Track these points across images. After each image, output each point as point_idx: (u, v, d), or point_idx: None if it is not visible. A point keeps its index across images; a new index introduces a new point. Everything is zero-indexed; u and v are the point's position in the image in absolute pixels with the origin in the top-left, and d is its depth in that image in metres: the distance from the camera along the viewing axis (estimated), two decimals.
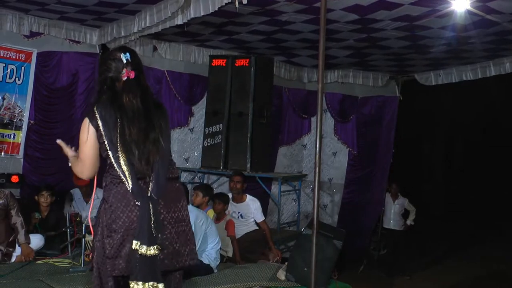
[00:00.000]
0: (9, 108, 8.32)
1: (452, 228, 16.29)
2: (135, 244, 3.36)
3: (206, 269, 6.37)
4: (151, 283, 3.36)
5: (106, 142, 3.48)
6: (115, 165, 3.48)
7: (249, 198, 7.93)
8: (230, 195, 7.98)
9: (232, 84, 8.95)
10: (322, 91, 5.06)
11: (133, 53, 3.73)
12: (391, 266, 10.51)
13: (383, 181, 11.16)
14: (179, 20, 6.92)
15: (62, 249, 7.06)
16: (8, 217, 6.83)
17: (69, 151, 3.69)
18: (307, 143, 11.15)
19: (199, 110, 9.68)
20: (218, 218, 7.61)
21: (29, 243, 6.83)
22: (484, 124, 19.39)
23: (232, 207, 7.87)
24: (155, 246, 3.37)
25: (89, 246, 6.80)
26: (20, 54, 8.34)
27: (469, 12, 6.30)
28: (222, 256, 6.83)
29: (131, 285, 3.37)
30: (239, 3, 5.83)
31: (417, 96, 13.03)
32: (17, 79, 8.32)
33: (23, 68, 8.35)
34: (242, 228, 7.76)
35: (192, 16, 6.65)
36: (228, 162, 8.91)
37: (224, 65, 9.04)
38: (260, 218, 7.84)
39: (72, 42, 8.67)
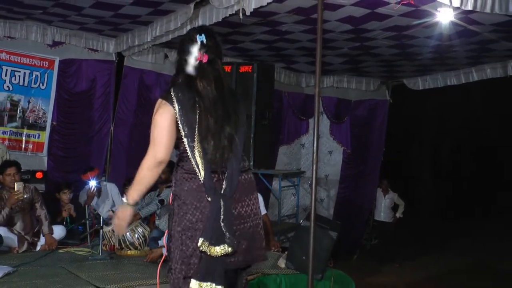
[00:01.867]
0: (34, 111, 8.34)
1: (439, 222, 16.30)
2: (200, 242, 2.96)
3: None
4: (208, 283, 2.97)
5: (181, 128, 3.05)
6: (189, 155, 3.06)
7: None
8: None
9: (237, 88, 8.92)
10: (319, 95, 5.07)
11: (210, 35, 3.27)
12: (382, 255, 10.51)
13: (375, 177, 11.17)
14: (187, 30, 6.92)
15: (82, 239, 7.08)
16: (33, 210, 6.86)
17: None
18: (305, 143, 11.14)
19: None
20: None
21: (52, 233, 6.84)
22: (469, 125, 19.35)
23: None
24: (221, 246, 2.95)
25: (106, 237, 6.83)
26: (44, 62, 8.36)
27: (453, 23, 6.31)
28: None
29: (190, 284, 3.02)
30: (243, 14, 5.83)
31: (406, 99, 13.00)
32: (41, 84, 8.34)
33: (46, 74, 8.37)
34: None
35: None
36: None
37: (229, 71, 9.02)
38: (262, 211, 7.81)
39: (91, 51, 8.68)
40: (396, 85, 11.19)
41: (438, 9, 5.77)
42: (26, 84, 8.24)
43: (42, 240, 6.80)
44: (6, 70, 8.08)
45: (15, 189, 6.56)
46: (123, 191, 8.04)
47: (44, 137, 8.44)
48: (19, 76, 8.18)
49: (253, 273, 5.86)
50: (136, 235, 6.68)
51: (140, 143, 9.05)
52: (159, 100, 3.16)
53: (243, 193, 3.14)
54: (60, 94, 8.51)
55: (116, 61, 8.92)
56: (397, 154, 16.53)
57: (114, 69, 8.94)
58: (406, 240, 12.17)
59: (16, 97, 8.20)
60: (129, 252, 6.61)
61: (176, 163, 3.20)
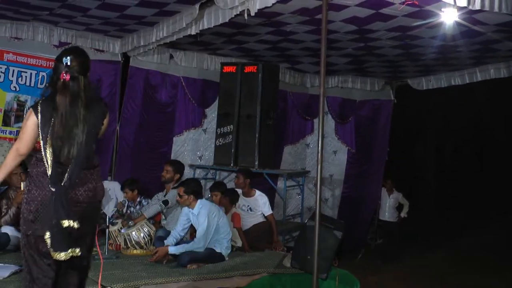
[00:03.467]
0: None
1: (442, 221, 16.27)
2: (51, 251, 3.65)
3: (218, 257, 6.39)
4: (70, 250, 3.67)
5: (40, 133, 3.75)
6: (43, 152, 3.74)
7: (257, 193, 7.93)
8: (240, 190, 7.99)
9: (242, 88, 8.96)
10: (323, 95, 5.07)
11: (75, 56, 3.89)
12: (386, 254, 10.50)
13: (379, 177, 11.17)
14: (193, 31, 6.94)
15: None
16: None
17: None
18: (310, 143, 11.14)
19: (212, 112, 9.68)
20: (225, 211, 7.61)
21: None
22: (472, 125, 19.33)
23: (242, 201, 7.87)
24: (67, 220, 3.61)
25: (112, 236, 6.85)
26: (50, 62, 8.33)
27: (457, 23, 6.30)
28: (232, 246, 6.84)
29: (54, 256, 3.68)
30: (247, 15, 5.84)
31: (410, 99, 12.99)
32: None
33: None
34: (251, 220, 7.77)
35: (205, 27, 6.68)
36: (238, 160, 8.91)
37: (234, 71, 9.04)
38: (268, 211, 7.85)
39: (97, 51, 8.69)
40: (400, 85, 11.20)
41: (443, 9, 5.75)
42: (32, 84, 8.26)
43: None
44: (13, 70, 8.10)
45: (22, 188, 6.57)
46: (123, 191, 8.03)
47: None
48: (26, 76, 8.20)
49: (258, 272, 5.88)
50: (141, 235, 6.71)
51: (145, 143, 9.09)
52: (30, 109, 3.87)
53: (81, 184, 3.82)
54: None
55: (122, 61, 8.94)
56: (401, 153, 16.52)
57: (120, 70, 8.95)
58: (411, 239, 12.15)
59: (23, 97, 8.23)
60: (134, 251, 6.64)
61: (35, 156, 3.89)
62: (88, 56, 4.06)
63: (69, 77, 3.80)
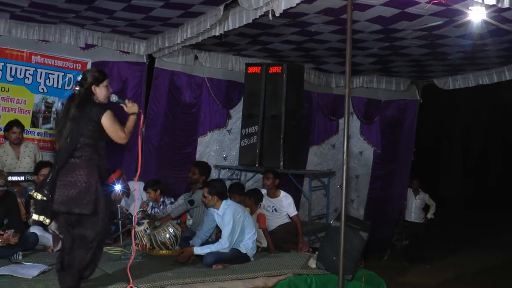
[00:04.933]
0: None
1: (470, 220, 16.11)
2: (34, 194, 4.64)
3: (244, 258, 6.39)
4: (42, 216, 4.62)
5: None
6: None
7: (282, 194, 7.91)
8: (265, 190, 7.99)
9: (266, 89, 8.96)
10: (349, 95, 5.06)
11: (84, 74, 4.86)
12: (412, 255, 10.43)
13: (405, 177, 11.13)
14: (217, 32, 6.97)
15: (114, 238, 7.15)
16: None
17: None
18: (335, 143, 11.09)
19: (236, 113, 9.71)
20: (250, 212, 7.60)
21: None
22: (499, 125, 19.13)
23: (267, 202, 7.87)
24: (41, 195, 4.56)
25: (138, 236, 6.90)
26: (77, 64, 8.48)
27: (485, 22, 6.22)
28: (257, 247, 6.84)
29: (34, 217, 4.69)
30: (272, 15, 5.84)
31: (436, 99, 12.89)
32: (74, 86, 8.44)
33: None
34: (276, 221, 7.76)
35: (230, 27, 6.70)
36: (263, 161, 8.91)
37: (258, 72, 9.05)
38: (293, 212, 7.82)
39: (122, 53, 8.77)
40: (426, 85, 11.13)
41: (470, 8, 5.70)
42: (59, 86, 8.37)
43: None
44: (41, 72, 8.22)
45: None
46: (145, 191, 8.08)
47: None
48: (53, 78, 8.31)
49: (284, 273, 5.88)
50: (167, 235, 6.74)
51: (170, 144, 9.14)
52: None
53: (68, 171, 4.61)
54: None
55: (147, 62, 9.01)
56: (428, 154, 16.41)
57: (145, 71, 9.02)
58: (437, 239, 12.05)
59: (50, 99, 8.34)
60: (160, 251, 6.67)
61: None
62: (89, 71, 5.06)
63: (74, 90, 4.86)
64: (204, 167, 7.87)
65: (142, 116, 5.04)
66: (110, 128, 4.71)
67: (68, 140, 4.65)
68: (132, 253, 5.23)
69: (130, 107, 4.94)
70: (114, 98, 4.96)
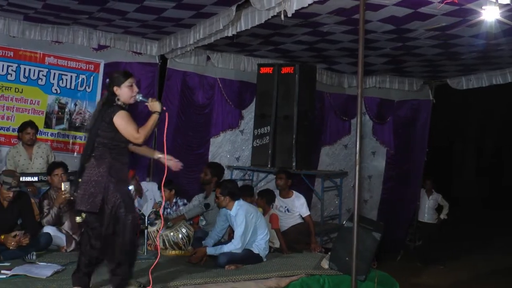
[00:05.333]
0: (80, 113, 8.51)
1: (484, 220, 16.01)
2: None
3: (256, 258, 6.39)
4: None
5: None
6: None
7: (295, 194, 7.90)
8: (277, 191, 7.98)
9: (278, 90, 8.96)
10: (361, 95, 5.05)
11: (109, 77, 4.95)
12: (426, 256, 10.39)
13: (418, 177, 11.09)
14: (230, 32, 6.98)
15: None
16: None
17: None
18: (348, 143, 11.06)
19: (249, 113, 9.71)
20: (263, 212, 7.60)
21: None
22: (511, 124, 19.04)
23: (280, 202, 7.86)
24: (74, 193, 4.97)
25: (151, 237, 6.91)
26: (90, 65, 8.52)
27: (498, 21, 6.18)
28: (269, 247, 6.84)
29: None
30: (284, 16, 5.84)
31: (449, 99, 12.83)
32: (87, 87, 8.50)
33: (92, 77, 8.54)
34: (288, 221, 7.75)
35: (242, 28, 6.71)
36: (275, 161, 8.92)
37: (271, 72, 9.05)
38: (305, 212, 7.81)
39: (135, 54, 8.81)
40: (439, 85, 11.08)
41: (483, 7, 5.66)
42: (72, 87, 8.42)
43: None
44: (54, 73, 8.27)
45: (62, 189, 6.69)
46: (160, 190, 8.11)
47: None
48: (66, 79, 8.36)
49: (296, 273, 5.87)
50: (180, 235, 6.75)
51: (183, 144, 9.15)
52: None
53: (85, 170, 4.74)
54: None
55: (159, 63, 9.03)
56: (441, 154, 16.34)
57: (158, 72, 9.06)
58: (451, 240, 11.99)
59: (63, 100, 8.39)
60: (173, 252, 6.68)
61: None
62: (112, 73, 5.14)
63: (102, 92, 5.04)
64: (217, 168, 7.87)
65: (166, 114, 4.90)
66: (123, 128, 4.71)
67: (87, 140, 4.89)
68: (157, 256, 5.20)
69: (152, 105, 4.87)
70: (138, 97, 4.91)
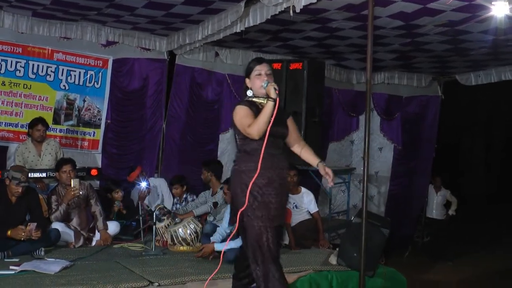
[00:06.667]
0: (89, 109, 8.51)
1: (493, 217, 15.93)
2: None
3: None
4: None
5: None
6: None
7: (303, 190, 7.88)
8: None
9: (287, 85, 8.89)
10: (369, 91, 5.02)
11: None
12: (434, 252, 10.35)
13: (426, 174, 11.04)
14: (238, 28, 6.95)
15: (135, 235, 7.18)
16: (88, 206, 7.00)
17: None
18: (355, 139, 11.02)
19: None
20: None
21: (107, 229, 6.98)
22: None
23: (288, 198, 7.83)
24: None
25: (159, 233, 6.91)
26: (98, 61, 8.51)
27: (508, 17, 6.13)
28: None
29: None
30: (293, 11, 5.81)
31: (458, 95, 12.75)
32: (95, 83, 8.50)
33: (100, 73, 8.53)
34: (297, 217, 7.72)
35: (251, 24, 6.68)
36: None
37: (279, 68, 8.98)
38: (314, 209, 7.78)
39: (143, 50, 8.80)
40: (448, 81, 11.01)
41: (493, 3, 5.61)
42: (81, 83, 8.41)
43: (97, 236, 6.93)
44: (63, 69, 8.27)
45: (72, 186, 6.71)
46: (170, 190, 8.15)
47: (99, 135, 8.60)
48: (75, 75, 8.35)
49: (304, 269, 5.85)
50: (188, 231, 6.75)
51: (192, 141, 9.15)
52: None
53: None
54: (114, 93, 8.65)
55: (168, 59, 9.02)
56: (450, 150, 16.27)
57: (166, 68, 9.04)
58: (459, 236, 11.94)
59: (72, 96, 8.39)
60: (181, 247, 6.68)
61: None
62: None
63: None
64: (211, 165, 7.92)
65: (278, 100, 4.22)
66: (238, 125, 4.33)
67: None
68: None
69: (267, 90, 4.30)
70: (264, 85, 4.34)
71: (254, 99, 4.41)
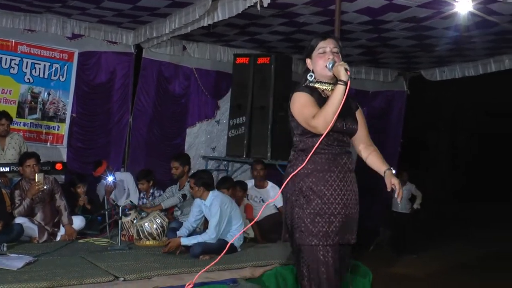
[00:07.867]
0: (53, 103, 8.39)
1: (456, 212, 16.16)
2: None
3: (230, 248, 6.34)
4: None
5: None
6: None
7: (270, 184, 7.89)
8: (252, 181, 7.95)
9: (254, 80, 8.91)
10: None
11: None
12: (399, 246, 10.44)
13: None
14: (206, 22, 6.91)
15: (101, 229, 7.10)
16: (53, 201, 6.89)
17: None
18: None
19: (225, 103, 9.65)
20: (237, 203, 7.55)
21: (72, 224, 6.88)
22: (484, 115, 19.20)
23: (255, 192, 7.84)
24: None
25: (125, 227, 6.84)
26: (63, 54, 8.39)
27: (471, 14, 6.21)
28: (244, 237, 6.81)
29: None
30: (260, 6, 5.79)
31: (424, 90, 12.89)
32: (60, 76, 8.38)
33: (66, 66, 8.42)
34: (264, 212, 7.67)
35: (219, 18, 6.65)
36: (250, 151, 8.87)
37: (247, 63, 9.00)
38: (280, 203, 7.78)
39: (110, 43, 8.70)
40: (414, 76, 11.13)
41: (457, 0, 5.68)
42: (46, 76, 8.29)
43: (62, 231, 6.83)
44: (27, 62, 8.13)
45: (36, 180, 6.59)
46: (137, 185, 8.05)
47: (64, 129, 8.49)
48: (39, 68, 8.22)
49: (271, 263, 5.86)
50: (154, 226, 6.69)
51: (158, 135, 9.09)
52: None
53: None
54: (80, 86, 8.55)
55: (135, 53, 8.94)
56: (415, 145, 16.44)
57: (133, 61, 8.97)
58: (424, 230, 12.07)
59: (36, 89, 8.25)
60: (147, 242, 6.62)
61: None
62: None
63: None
64: (183, 157, 7.81)
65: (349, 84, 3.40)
66: (297, 116, 3.63)
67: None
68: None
69: (335, 71, 3.42)
70: (329, 65, 3.48)
71: (316, 85, 3.59)
